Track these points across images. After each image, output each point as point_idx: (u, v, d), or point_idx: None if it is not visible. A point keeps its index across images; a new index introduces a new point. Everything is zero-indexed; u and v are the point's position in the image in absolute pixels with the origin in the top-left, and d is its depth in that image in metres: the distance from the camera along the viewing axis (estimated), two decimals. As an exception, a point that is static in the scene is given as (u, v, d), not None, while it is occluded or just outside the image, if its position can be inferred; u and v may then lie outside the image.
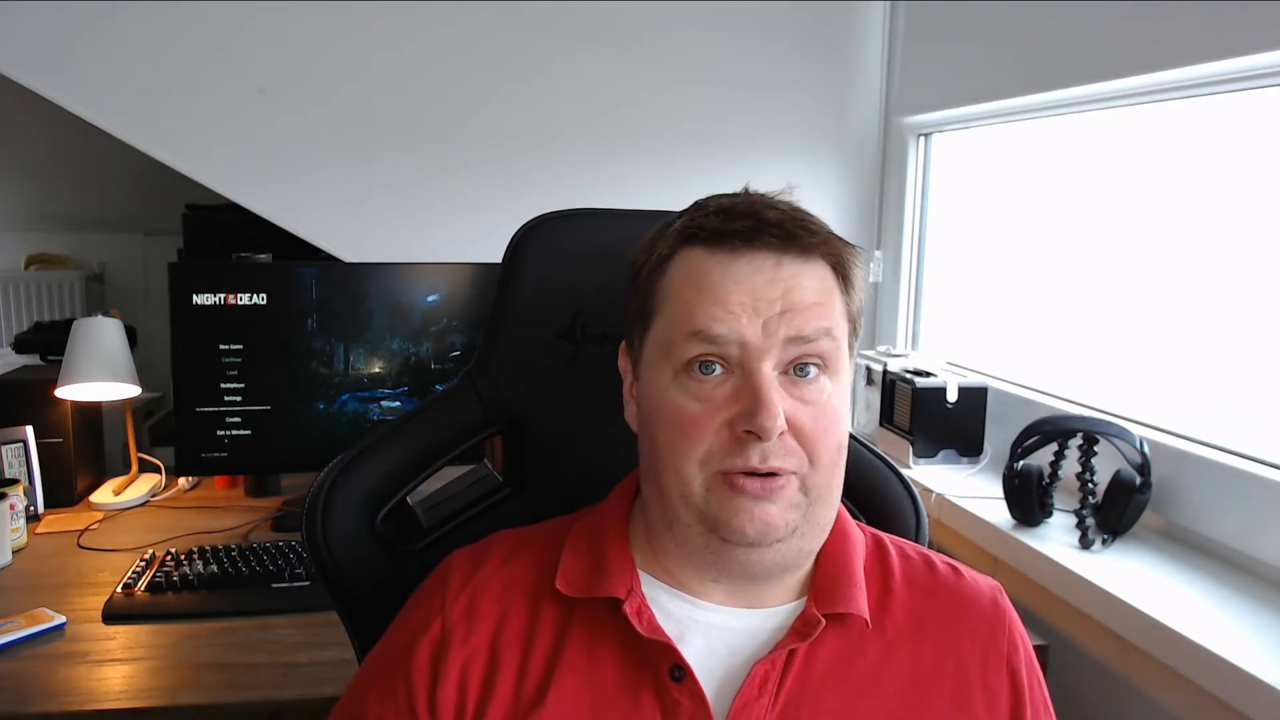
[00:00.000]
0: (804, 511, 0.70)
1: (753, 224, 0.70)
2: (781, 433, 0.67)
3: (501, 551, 0.77)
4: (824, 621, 0.71)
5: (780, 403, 0.67)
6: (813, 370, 0.69)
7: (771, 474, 0.68)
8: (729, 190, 0.76)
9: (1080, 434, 1.35)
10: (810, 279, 0.70)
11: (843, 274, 0.73)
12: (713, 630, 0.72)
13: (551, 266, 0.90)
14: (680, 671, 0.69)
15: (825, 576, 0.75)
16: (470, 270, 1.71)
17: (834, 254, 0.72)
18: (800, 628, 0.72)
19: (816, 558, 0.76)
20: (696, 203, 0.75)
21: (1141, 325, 1.49)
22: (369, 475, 0.87)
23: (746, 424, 0.66)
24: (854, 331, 0.74)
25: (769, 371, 0.68)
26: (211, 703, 1.13)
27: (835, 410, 0.70)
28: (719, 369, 0.69)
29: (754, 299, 0.68)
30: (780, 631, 0.72)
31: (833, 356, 0.70)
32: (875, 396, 1.77)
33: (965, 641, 0.75)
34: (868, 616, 0.73)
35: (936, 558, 0.81)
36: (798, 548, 0.71)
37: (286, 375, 1.66)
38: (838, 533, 0.77)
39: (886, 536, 0.82)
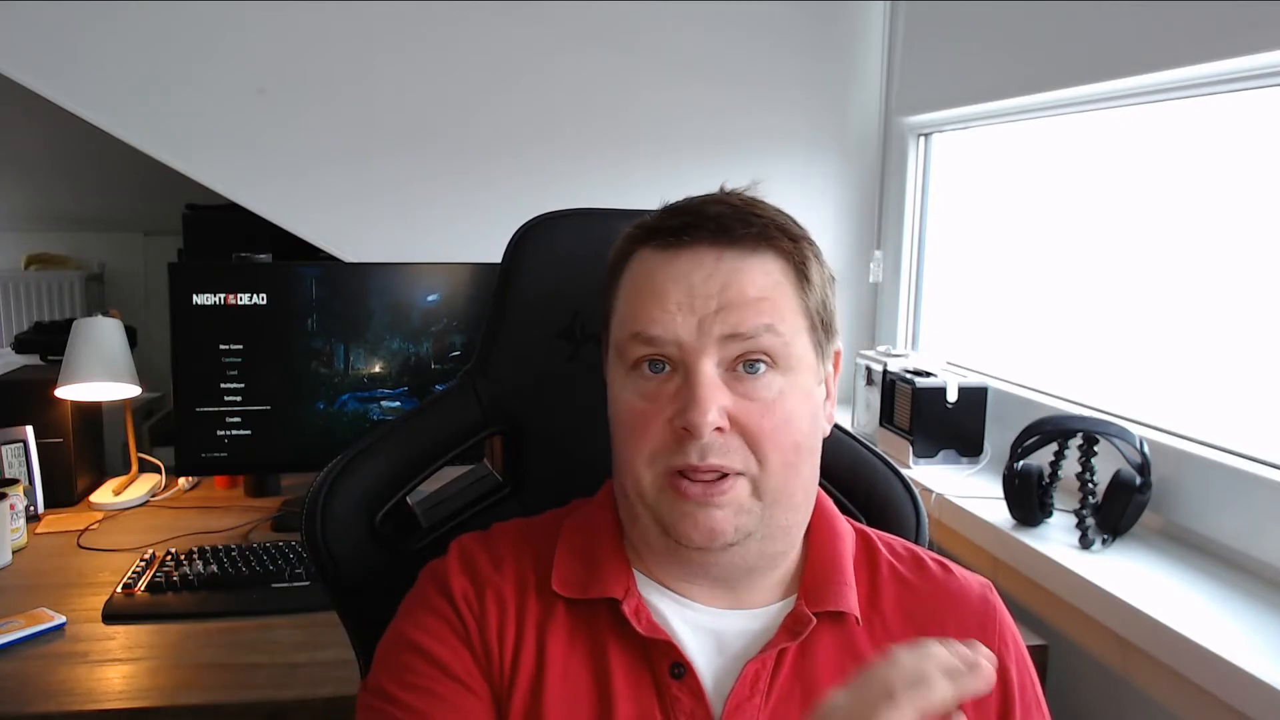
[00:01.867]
0: (758, 516, 0.69)
1: (690, 219, 0.69)
2: (720, 429, 0.67)
3: (505, 546, 0.77)
4: (815, 620, 0.71)
5: (715, 399, 0.66)
6: (761, 367, 0.68)
7: (717, 477, 0.67)
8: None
9: (1080, 434, 1.35)
10: (753, 273, 0.69)
11: (796, 265, 0.71)
12: (703, 630, 0.72)
13: (550, 266, 0.90)
14: (680, 669, 0.69)
15: (815, 574, 0.74)
16: (470, 270, 1.71)
17: (779, 246, 0.70)
18: (791, 626, 0.71)
19: (805, 555, 0.75)
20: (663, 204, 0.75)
21: (1142, 325, 1.49)
22: (369, 475, 0.87)
23: (680, 419, 0.67)
24: (817, 326, 0.72)
25: (707, 368, 0.67)
26: (211, 703, 1.13)
27: (788, 409, 0.69)
28: (666, 367, 0.69)
29: (690, 296, 0.68)
30: (770, 631, 0.72)
31: (780, 353, 0.69)
32: (875, 396, 1.77)
33: (953, 638, 0.74)
34: (858, 614, 0.73)
35: (926, 554, 0.80)
36: (759, 550, 0.71)
37: (286, 375, 1.66)
38: (826, 530, 0.76)
39: (874, 533, 0.82)
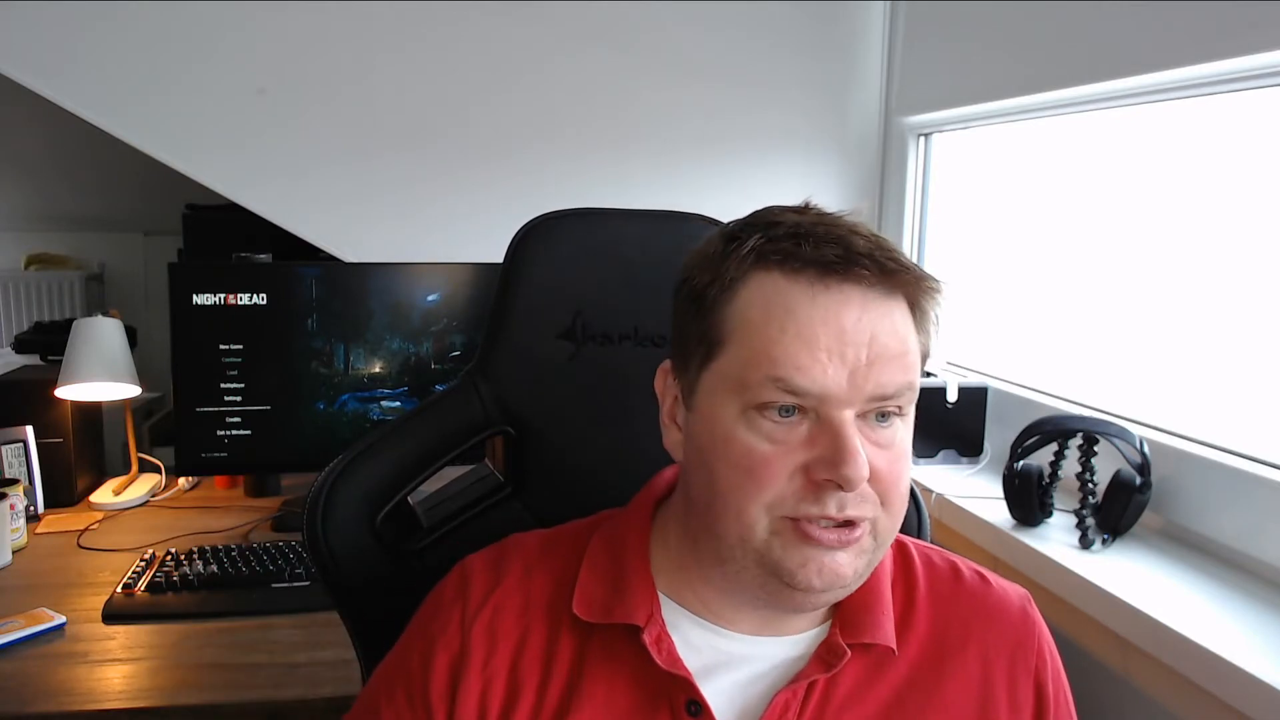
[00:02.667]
0: (869, 557, 0.67)
1: (842, 252, 0.63)
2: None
3: (521, 562, 0.74)
4: (849, 653, 0.69)
5: (863, 451, 0.63)
6: (892, 417, 0.66)
7: (848, 523, 0.64)
8: (755, 199, 0.72)
9: (1080, 434, 1.35)
10: (894, 321, 0.64)
11: (921, 313, 0.67)
12: (735, 659, 0.70)
13: (552, 266, 0.90)
14: (696, 707, 0.67)
15: (853, 601, 0.71)
16: (470, 270, 1.71)
17: (920, 292, 0.66)
18: (824, 656, 0.70)
19: None
20: (761, 218, 0.68)
21: (1142, 325, 1.49)
22: (369, 475, 0.87)
23: (828, 472, 0.62)
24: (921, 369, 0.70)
25: (850, 419, 0.63)
26: (211, 703, 1.13)
27: (906, 452, 0.67)
28: (796, 412, 0.64)
29: (841, 343, 0.62)
30: (803, 660, 0.70)
31: (909, 403, 0.66)
32: (875, 396, 1.77)
33: (991, 654, 0.73)
34: (894, 645, 0.71)
35: (964, 565, 0.78)
36: (854, 588, 0.69)
37: (286, 375, 1.66)
38: None
39: (912, 542, 0.79)
